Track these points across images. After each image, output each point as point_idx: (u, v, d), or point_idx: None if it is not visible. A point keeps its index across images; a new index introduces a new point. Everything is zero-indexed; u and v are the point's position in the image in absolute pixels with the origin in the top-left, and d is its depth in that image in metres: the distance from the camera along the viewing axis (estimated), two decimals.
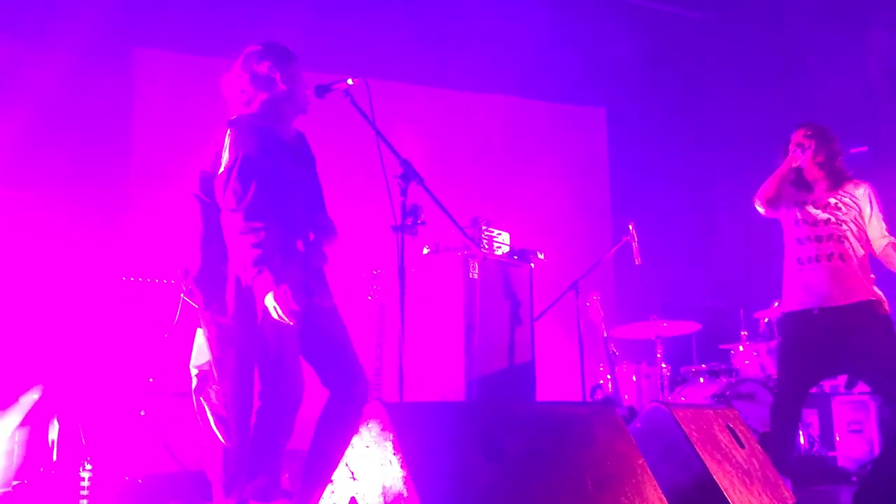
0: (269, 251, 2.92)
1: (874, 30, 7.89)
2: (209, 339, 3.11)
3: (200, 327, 3.19)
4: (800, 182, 4.20)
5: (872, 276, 4.07)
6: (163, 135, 6.51)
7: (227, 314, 3.07)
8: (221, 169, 3.04)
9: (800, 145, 4.14)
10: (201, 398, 3.10)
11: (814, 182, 4.18)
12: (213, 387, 3.11)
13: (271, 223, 2.97)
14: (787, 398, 4.06)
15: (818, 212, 4.09)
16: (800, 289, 4.07)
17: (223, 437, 3.08)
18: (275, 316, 2.88)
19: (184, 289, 3.18)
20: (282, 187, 3.11)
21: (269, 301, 2.88)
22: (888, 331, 3.93)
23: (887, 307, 4.01)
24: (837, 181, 4.15)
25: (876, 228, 4.08)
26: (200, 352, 3.16)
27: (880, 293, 4.02)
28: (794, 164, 4.14)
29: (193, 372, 3.15)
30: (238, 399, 3.13)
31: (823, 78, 7.88)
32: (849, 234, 4.04)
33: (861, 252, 4.05)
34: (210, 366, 3.13)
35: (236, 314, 3.07)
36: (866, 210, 4.08)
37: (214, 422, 3.09)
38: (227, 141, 3.09)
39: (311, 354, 3.25)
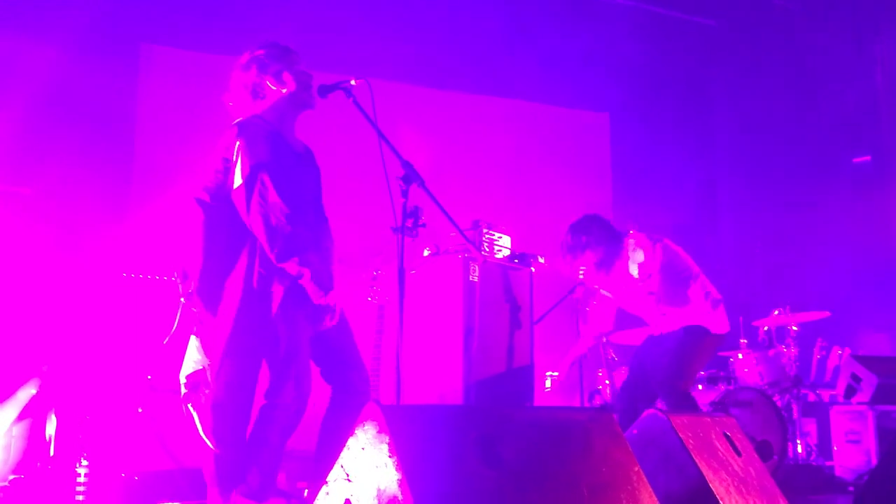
0: (306, 253, 3.07)
1: (881, 40, 7.89)
2: (206, 341, 3.12)
3: (194, 333, 3.19)
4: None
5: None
6: (166, 132, 6.51)
7: (230, 316, 3.09)
8: (238, 182, 3.07)
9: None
10: (189, 405, 3.09)
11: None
12: (206, 391, 3.10)
13: (299, 226, 3.07)
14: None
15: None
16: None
17: (212, 444, 3.08)
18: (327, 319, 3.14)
19: (182, 293, 3.19)
20: (294, 190, 3.14)
21: (327, 299, 3.09)
22: None
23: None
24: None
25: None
26: (192, 360, 3.16)
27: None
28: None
29: (182, 381, 3.15)
30: (236, 401, 3.13)
31: (829, 86, 7.88)
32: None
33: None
34: (201, 372, 3.13)
35: (242, 315, 3.08)
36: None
37: (203, 429, 3.08)
38: (236, 151, 3.11)
39: (318, 354, 3.27)
